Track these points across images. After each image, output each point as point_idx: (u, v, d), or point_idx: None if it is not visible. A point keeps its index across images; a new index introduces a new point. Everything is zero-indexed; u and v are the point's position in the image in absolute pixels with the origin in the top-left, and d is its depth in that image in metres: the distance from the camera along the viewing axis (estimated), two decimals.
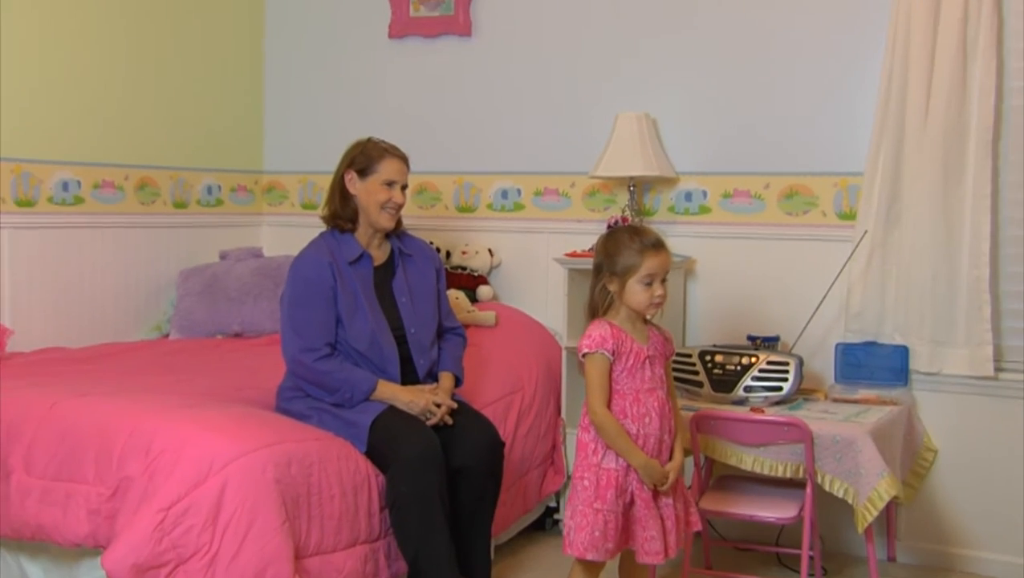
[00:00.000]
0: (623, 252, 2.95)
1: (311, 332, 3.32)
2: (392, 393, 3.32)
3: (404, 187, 3.50)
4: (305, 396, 3.35)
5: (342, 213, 3.48)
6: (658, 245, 2.97)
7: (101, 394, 3.31)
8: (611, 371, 2.95)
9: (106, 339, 4.48)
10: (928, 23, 3.78)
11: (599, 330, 2.95)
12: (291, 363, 3.36)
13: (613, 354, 2.93)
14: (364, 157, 3.47)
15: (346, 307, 3.36)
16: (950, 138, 3.78)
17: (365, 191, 3.45)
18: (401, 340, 3.43)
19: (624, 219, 4.12)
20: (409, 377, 3.42)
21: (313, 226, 3.64)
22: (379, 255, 3.52)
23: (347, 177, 3.47)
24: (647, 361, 2.98)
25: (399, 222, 3.56)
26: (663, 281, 2.96)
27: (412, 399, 3.31)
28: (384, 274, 3.51)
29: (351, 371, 3.32)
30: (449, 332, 3.63)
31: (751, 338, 4.03)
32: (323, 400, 3.31)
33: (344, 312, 3.35)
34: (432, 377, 3.49)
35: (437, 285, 3.60)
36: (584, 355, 2.96)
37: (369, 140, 3.53)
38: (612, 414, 2.94)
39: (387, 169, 3.45)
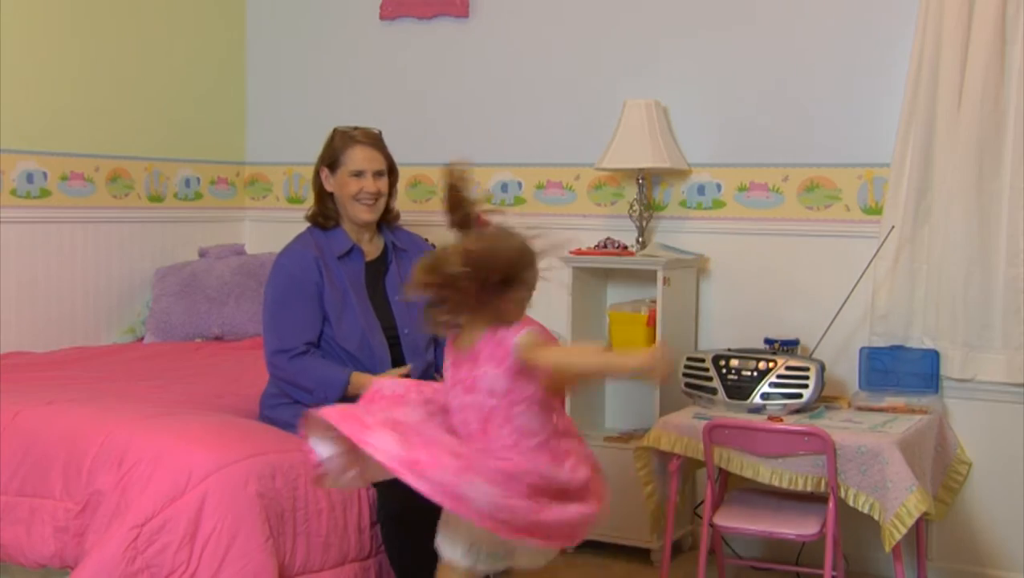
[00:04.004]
0: None
1: (288, 331, 3.32)
2: (369, 382, 3.23)
3: (379, 173, 3.49)
4: (290, 403, 3.34)
5: (321, 212, 3.51)
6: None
7: (69, 402, 3.31)
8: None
9: (75, 343, 4.47)
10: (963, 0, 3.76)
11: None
12: (268, 365, 3.37)
13: None
14: (330, 150, 3.51)
15: (334, 304, 3.35)
16: (986, 126, 3.76)
17: (338, 186, 3.48)
18: (393, 341, 3.43)
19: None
20: None
21: (299, 221, 3.63)
22: (371, 250, 3.52)
23: (322, 175, 3.51)
24: None
25: (396, 215, 3.55)
26: None
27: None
28: (376, 270, 3.51)
29: (324, 368, 3.29)
30: None
31: (768, 341, 4.02)
32: (305, 403, 3.28)
33: (332, 310, 3.35)
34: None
35: None
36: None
37: (335, 130, 3.56)
38: None
39: (352, 158, 3.47)
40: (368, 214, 3.48)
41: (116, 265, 4.70)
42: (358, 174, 3.45)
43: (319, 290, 3.35)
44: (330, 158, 3.49)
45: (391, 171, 3.58)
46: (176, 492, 2.83)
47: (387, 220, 3.59)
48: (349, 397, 3.27)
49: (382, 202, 3.51)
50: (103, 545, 2.79)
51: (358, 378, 3.28)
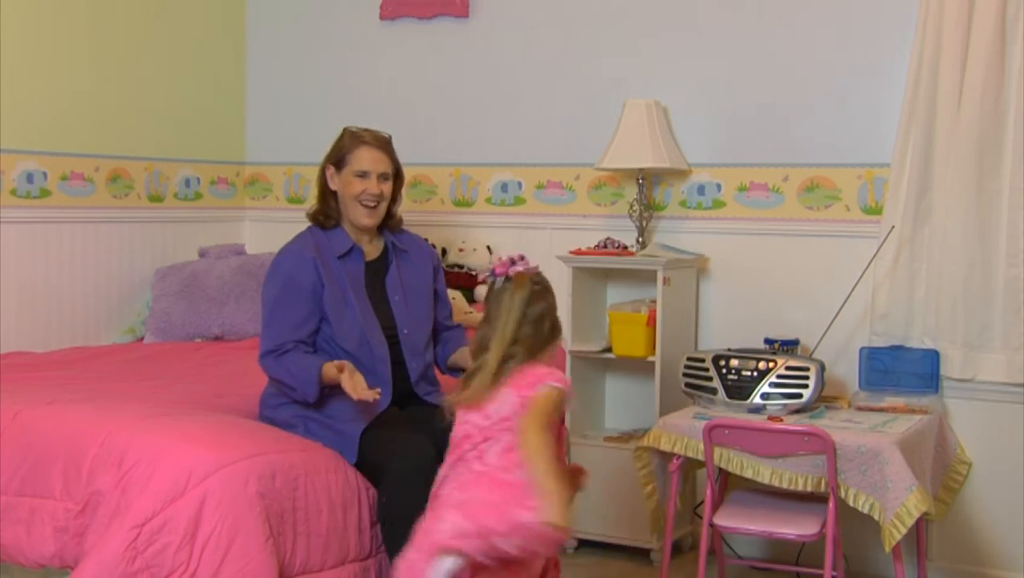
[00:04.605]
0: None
1: (280, 331, 3.31)
2: (334, 373, 3.19)
3: (384, 176, 3.47)
4: (290, 403, 3.33)
5: (322, 210, 3.50)
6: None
7: (69, 402, 3.30)
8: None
9: (75, 343, 4.47)
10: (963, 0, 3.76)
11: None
12: (260, 365, 3.34)
13: None
14: (337, 148, 3.50)
15: (333, 304, 3.34)
16: (986, 126, 3.77)
17: (342, 185, 3.46)
18: (393, 340, 3.40)
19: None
20: (401, 381, 3.39)
21: (299, 221, 3.62)
22: (371, 250, 3.51)
23: (328, 173, 3.50)
24: None
25: (398, 220, 3.55)
26: None
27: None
28: (376, 270, 3.49)
29: (300, 362, 3.25)
30: (448, 330, 3.61)
31: (768, 341, 4.02)
32: (296, 401, 3.29)
33: (331, 309, 3.33)
34: (427, 381, 3.46)
35: (434, 284, 3.59)
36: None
37: (345, 129, 3.55)
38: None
39: (358, 159, 3.45)
40: (368, 219, 3.45)
41: (116, 265, 4.69)
42: (362, 175, 3.44)
43: (316, 291, 3.33)
44: (337, 156, 3.47)
45: (397, 176, 3.56)
46: (176, 492, 2.82)
47: (389, 226, 3.56)
48: (324, 389, 3.25)
49: (383, 207, 3.49)
50: (103, 545, 2.78)
51: (327, 370, 3.21)
